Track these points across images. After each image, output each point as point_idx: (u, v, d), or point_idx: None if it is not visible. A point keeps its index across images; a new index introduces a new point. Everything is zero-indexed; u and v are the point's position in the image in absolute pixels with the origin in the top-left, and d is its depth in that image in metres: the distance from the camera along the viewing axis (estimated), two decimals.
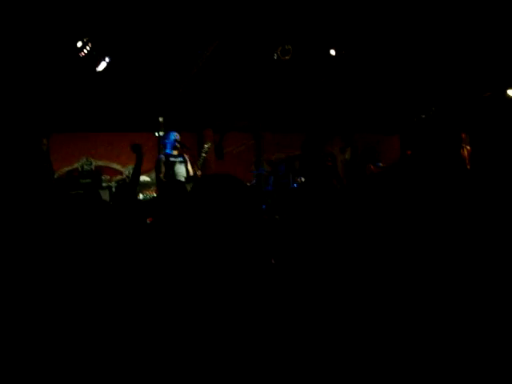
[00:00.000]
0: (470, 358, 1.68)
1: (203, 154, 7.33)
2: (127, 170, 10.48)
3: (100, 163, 10.35)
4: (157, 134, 10.32)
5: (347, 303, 1.85)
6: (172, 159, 7.18)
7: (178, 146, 7.24)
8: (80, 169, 10.22)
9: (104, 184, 9.16)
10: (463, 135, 7.87)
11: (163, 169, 7.10)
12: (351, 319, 1.78)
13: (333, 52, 8.57)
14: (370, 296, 1.89)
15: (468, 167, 7.68)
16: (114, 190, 8.68)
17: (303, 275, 2.00)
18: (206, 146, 7.47)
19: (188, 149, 7.44)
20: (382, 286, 1.97)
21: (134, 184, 4.80)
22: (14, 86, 7.98)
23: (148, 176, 9.95)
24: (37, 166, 6.95)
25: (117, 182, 9.87)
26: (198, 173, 7.15)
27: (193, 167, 7.28)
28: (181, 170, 7.23)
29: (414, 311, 1.85)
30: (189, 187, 4.49)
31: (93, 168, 10.31)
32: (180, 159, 7.25)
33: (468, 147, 8.11)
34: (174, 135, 7.27)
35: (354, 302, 1.86)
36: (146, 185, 9.46)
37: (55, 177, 7.94)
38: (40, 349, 1.95)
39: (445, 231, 2.47)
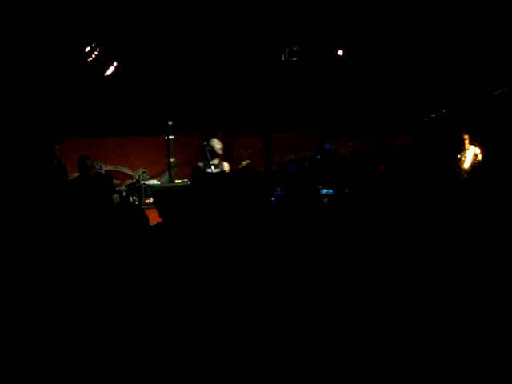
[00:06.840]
0: (469, 358, 1.64)
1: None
2: (137, 174, 10.50)
3: (110, 167, 10.36)
4: (167, 138, 10.33)
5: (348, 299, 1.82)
6: (209, 170, 6.91)
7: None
8: None
9: None
10: (465, 135, 7.86)
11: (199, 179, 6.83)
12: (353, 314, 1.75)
13: (340, 52, 8.55)
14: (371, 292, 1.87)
15: (468, 169, 7.72)
16: (124, 193, 8.70)
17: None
18: (244, 162, 7.43)
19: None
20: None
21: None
22: (22, 92, 8.03)
23: (158, 180, 9.93)
24: (50, 172, 6.93)
25: (127, 185, 9.86)
26: None
27: None
28: None
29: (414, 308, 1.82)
30: None
31: (103, 172, 10.32)
32: (218, 170, 6.94)
33: (479, 147, 8.04)
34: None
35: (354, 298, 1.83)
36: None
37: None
38: (41, 346, 1.93)
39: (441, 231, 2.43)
